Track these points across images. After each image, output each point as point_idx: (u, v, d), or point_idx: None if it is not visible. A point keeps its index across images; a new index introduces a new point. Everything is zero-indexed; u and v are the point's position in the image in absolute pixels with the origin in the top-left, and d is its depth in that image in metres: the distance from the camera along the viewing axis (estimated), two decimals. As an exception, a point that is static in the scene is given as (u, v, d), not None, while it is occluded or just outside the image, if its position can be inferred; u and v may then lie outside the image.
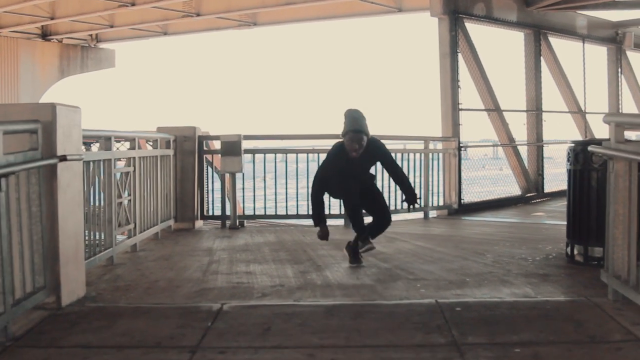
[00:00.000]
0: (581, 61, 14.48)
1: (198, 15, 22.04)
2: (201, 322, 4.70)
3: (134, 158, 7.62)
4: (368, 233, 6.93)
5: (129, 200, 7.53)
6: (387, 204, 7.55)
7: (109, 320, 4.83)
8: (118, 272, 6.56)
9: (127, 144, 8.25)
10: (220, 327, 4.62)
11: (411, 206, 7.06)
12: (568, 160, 6.71)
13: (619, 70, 15.72)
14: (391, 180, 7.78)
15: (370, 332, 4.50)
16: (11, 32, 24.76)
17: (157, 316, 4.95)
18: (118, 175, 7.17)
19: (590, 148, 5.65)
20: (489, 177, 13.42)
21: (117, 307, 5.25)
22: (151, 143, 9.14)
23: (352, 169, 6.76)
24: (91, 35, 26.58)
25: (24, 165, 4.56)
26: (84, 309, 5.15)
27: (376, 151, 6.87)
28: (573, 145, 6.66)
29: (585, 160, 6.45)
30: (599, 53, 15.52)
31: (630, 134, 7.00)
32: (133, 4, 20.58)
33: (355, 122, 6.70)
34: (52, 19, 23.28)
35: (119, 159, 7.43)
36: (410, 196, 6.96)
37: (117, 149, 7.60)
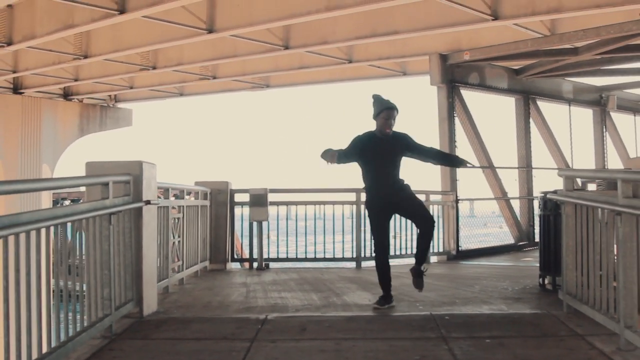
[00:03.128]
0: (568, 122, 16.31)
1: (214, 78, 23.80)
2: (253, 325, 6.43)
3: (183, 206, 9.40)
4: (417, 260, 7.57)
5: (179, 241, 9.26)
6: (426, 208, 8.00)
7: (183, 324, 6.58)
8: (175, 298, 8.28)
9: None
10: (267, 328, 6.36)
11: (468, 164, 7.76)
12: (539, 207, 8.45)
13: (604, 129, 17.54)
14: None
15: (380, 331, 6.23)
16: (35, 92, 26.57)
17: (218, 322, 6.71)
18: (171, 219, 8.90)
19: (548, 196, 7.42)
20: (492, 234, 15.18)
21: (185, 317, 7.00)
22: (192, 195, 10.89)
23: (382, 152, 7.38)
24: (110, 95, 28.48)
25: (124, 206, 6.35)
26: (160, 317, 6.89)
27: (404, 138, 7.48)
28: (542, 195, 8.40)
29: (552, 207, 8.17)
30: (585, 114, 17.35)
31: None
32: (154, 68, 22.33)
33: (386, 101, 7.45)
34: (75, 80, 24.97)
35: (173, 207, 9.14)
36: (457, 160, 7.97)
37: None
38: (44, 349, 4.86)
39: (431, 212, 12.52)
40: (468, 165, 7.78)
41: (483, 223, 15.46)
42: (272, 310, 7.30)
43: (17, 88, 26.17)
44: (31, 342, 4.56)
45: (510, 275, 10.37)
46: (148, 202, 6.82)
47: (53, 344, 5.01)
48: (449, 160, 8.21)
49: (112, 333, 6.08)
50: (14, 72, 23.11)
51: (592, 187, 9.62)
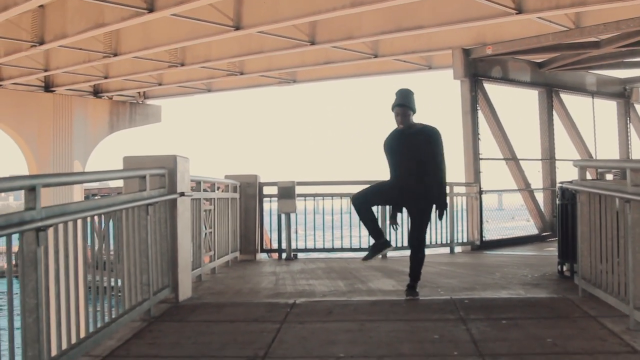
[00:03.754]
0: (591, 114, 16.57)
1: (241, 73, 24.27)
2: (282, 309, 6.87)
3: (214, 199, 9.85)
4: (411, 279, 7.51)
5: (210, 232, 9.70)
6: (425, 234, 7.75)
7: (216, 308, 7.04)
8: (207, 285, 8.74)
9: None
10: (296, 311, 6.79)
11: (438, 217, 7.46)
12: (557, 197, 8.80)
13: (628, 121, 17.76)
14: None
15: (402, 313, 6.65)
16: (66, 90, 27.19)
17: (250, 306, 7.17)
18: (203, 211, 9.34)
19: (564, 185, 7.77)
20: (519, 227, 15.52)
21: (218, 302, 7.46)
22: (222, 188, 11.34)
23: (405, 146, 7.41)
24: (139, 92, 29.08)
25: (160, 198, 6.80)
26: (195, 303, 7.35)
27: (432, 136, 7.39)
28: (560, 185, 8.75)
29: (569, 196, 8.51)
30: (609, 106, 17.58)
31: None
32: (182, 64, 22.83)
33: (401, 97, 7.48)
34: (105, 78, 25.53)
35: (204, 199, 9.58)
36: (438, 203, 7.40)
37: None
38: (90, 329, 5.32)
39: (455, 204, 13.00)
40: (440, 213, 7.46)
41: (511, 216, 15.83)
42: (300, 296, 7.73)
43: (48, 86, 26.81)
44: (79, 322, 5.03)
45: (531, 263, 10.71)
46: (182, 194, 7.27)
47: (98, 325, 5.46)
48: (437, 190, 7.39)
49: (151, 316, 6.54)
50: (46, 70, 23.70)
51: (609, 177, 9.93)
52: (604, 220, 6.59)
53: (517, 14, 13.46)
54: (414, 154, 7.39)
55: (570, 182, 7.60)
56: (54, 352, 4.68)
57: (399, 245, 11.30)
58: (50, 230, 4.60)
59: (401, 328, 6.09)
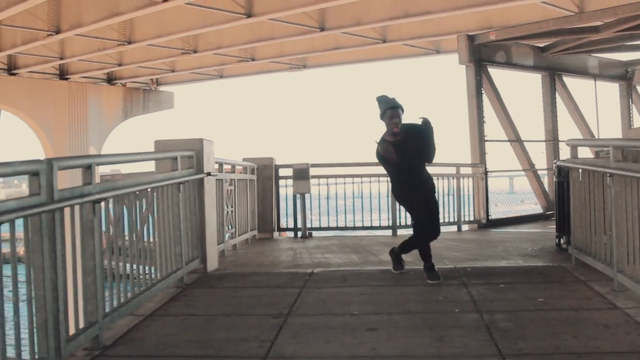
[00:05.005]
0: (594, 96, 17.27)
1: (253, 60, 25.04)
2: (301, 277, 7.69)
3: (235, 180, 10.65)
4: (425, 260, 7.64)
5: (231, 211, 10.50)
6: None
7: (242, 277, 7.89)
8: (231, 259, 9.56)
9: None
10: (314, 278, 7.62)
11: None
12: (554, 175, 9.55)
13: (630, 102, 18.43)
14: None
15: (410, 279, 7.47)
16: (81, 77, 27.96)
17: (272, 275, 8.04)
18: (225, 191, 10.13)
19: (558, 163, 8.55)
20: (527, 210, 16.28)
21: (243, 272, 8.33)
22: (240, 170, 12.13)
23: (405, 150, 7.51)
24: (152, 79, 29.90)
25: (189, 177, 7.60)
26: (222, 273, 8.18)
27: (420, 130, 7.57)
28: (556, 163, 9.49)
29: (565, 174, 9.25)
30: (611, 88, 18.27)
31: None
32: (195, 51, 23.59)
33: (389, 101, 7.58)
34: (119, 65, 26.29)
35: (226, 180, 10.36)
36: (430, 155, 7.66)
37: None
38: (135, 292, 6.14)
39: (461, 184, 13.77)
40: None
41: (520, 199, 16.63)
42: (317, 266, 8.56)
43: (63, 74, 27.61)
44: (127, 286, 5.85)
45: (533, 238, 11.47)
46: (209, 174, 8.08)
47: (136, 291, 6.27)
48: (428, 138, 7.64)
49: (184, 283, 7.36)
50: (61, 58, 24.53)
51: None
52: (593, 194, 7.36)
53: (521, -2, 14.19)
54: (413, 156, 7.58)
55: (564, 160, 8.38)
56: (106, 309, 5.50)
57: (406, 223, 12.20)
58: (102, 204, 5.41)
59: (409, 291, 6.91)
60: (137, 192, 6.24)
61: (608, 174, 6.65)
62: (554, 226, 14.11)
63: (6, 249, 4.32)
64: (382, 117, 7.59)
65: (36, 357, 4.38)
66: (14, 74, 26.31)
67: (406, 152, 7.53)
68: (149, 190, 6.52)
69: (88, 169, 5.21)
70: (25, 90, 26.81)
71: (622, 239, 6.49)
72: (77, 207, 5.01)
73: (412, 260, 8.27)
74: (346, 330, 5.52)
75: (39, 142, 28.24)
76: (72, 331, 4.87)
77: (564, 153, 16.15)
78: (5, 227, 4.08)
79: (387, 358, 4.84)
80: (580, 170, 7.81)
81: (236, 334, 5.48)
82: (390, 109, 7.52)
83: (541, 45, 15.86)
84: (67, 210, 4.83)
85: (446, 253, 9.53)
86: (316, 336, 5.40)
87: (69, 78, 27.72)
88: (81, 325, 5.04)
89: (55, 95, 27.62)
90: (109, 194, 5.49)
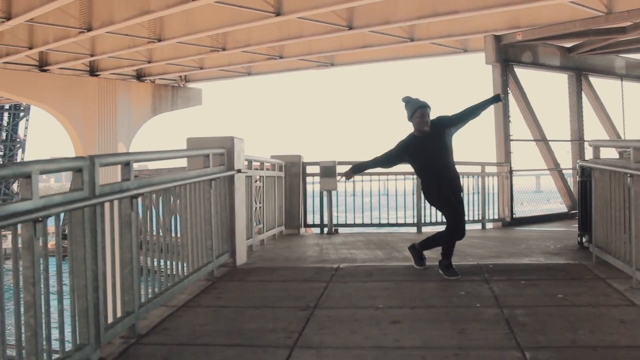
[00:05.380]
0: (620, 96, 17.36)
1: (281, 57, 25.28)
2: (328, 272, 7.97)
3: (263, 177, 10.94)
4: (444, 255, 7.82)
5: (260, 207, 10.79)
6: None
7: (270, 271, 8.19)
8: (259, 254, 9.85)
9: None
10: (340, 273, 7.89)
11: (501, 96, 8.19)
12: (577, 174, 9.74)
13: (657, 103, 18.52)
14: None
15: (433, 275, 7.71)
16: (111, 74, 28.41)
17: (299, 270, 8.32)
18: (254, 188, 10.42)
19: (581, 163, 8.75)
20: (552, 210, 16.44)
21: (271, 267, 8.62)
22: (268, 167, 12.41)
23: (432, 150, 7.72)
24: (181, 76, 30.27)
25: (220, 174, 7.89)
26: (250, 267, 8.49)
27: (442, 122, 7.81)
28: (579, 163, 9.68)
29: (587, 174, 9.43)
30: (639, 89, 18.33)
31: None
32: (224, 49, 23.86)
33: (418, 100, 7.77)
34: (149, 62, 26.68)
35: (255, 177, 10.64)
36: (491, 99, 8.02)
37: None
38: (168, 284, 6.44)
39: (486, 183, 13.97)
40: (502, 97, 8.08)
41: (546, 199, 16.79)
42: (343, 262, 8.84)
43: (93, 70, 28.05)
44: (160, 279, 6.15)
45: (556, 237, 11.66)
46: (239, 171, 8.38)
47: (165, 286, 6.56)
48: (484, 104, 7.97)
49: (214, 276, 7.65)
50: (92, 55, 24.94)
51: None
52: (614, 194, 7.55)
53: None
54: (442, 150, 7.79)
55: (587, 160, 8.57)
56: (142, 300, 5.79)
57: (431, 220, 12.49)
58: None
59: (432, 286, 7.16)
60: (172, 188, 6.53)
61: (629, 175, 6.85)
62: (577, 225, 14.40)
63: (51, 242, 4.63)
64: (411, 118, 7.76)
65: (77, 342, 4.68)
66: (45, 71, 26.78)
67: (436, 148, 7.74)
68: (182, 186, 6.80)
69: (127, 166, 5.50)
70: (56, 87, 27.30)
71: (641, 238, 6.69)
72: (116, 202, 5.31)
73: (436, 256, 8.49)
74: (371, 322, 5.79)
75: (69, 137, 28.74)
76: (110, 320, 5.18)
77: (589, 153, 16.31)
78: (51, 220, 4.39)
79: (410, 349, 5.08)
80: (602, 170, 8.00)
81: (265, 325, 5.76)
82: (420, 108, 7.70)
83: (568, 45, 15.99)
84: (106, 205, 5.13)
85: (469, 250, 9.75)
86: (342, 328, 5.66)
87: (99, 75, 28.15)
88: (118, 314, 5.35)
89: (86, 92, 28.09)
90: (146, 190, 5.78)
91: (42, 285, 4.13)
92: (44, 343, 4.18)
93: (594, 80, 16.92)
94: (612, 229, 7.65)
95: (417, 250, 8.25)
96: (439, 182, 7.79)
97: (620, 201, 7.34)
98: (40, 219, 4.13)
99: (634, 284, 6.73)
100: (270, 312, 6.26)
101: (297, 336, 5.39)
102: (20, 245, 4.15)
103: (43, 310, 4.16)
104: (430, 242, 8.18)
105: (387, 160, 8.00)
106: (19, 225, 4.08)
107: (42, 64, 26.56)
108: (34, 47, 23.44)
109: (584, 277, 7.49)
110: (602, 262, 7.96)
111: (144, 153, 6.33)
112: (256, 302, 6.66)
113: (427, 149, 7.75)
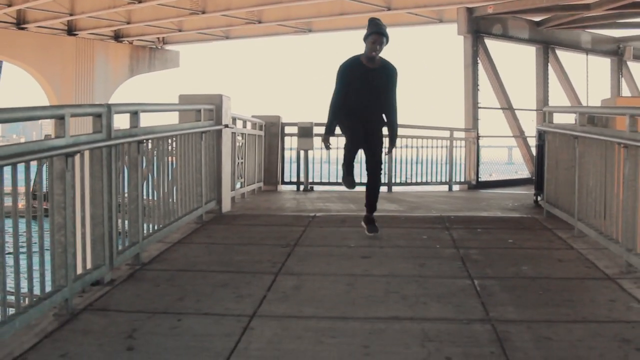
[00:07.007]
0: (585, 70, 18.46)
1: (259, 22, 25.88)
2: (305, 219, 9.00)
3: (245, 134, 11.88)
4: (369, 209, 8.13)
5: (241, 162, 11.73)
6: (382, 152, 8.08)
7: (253, 217, 9.20)
8: (241, 204, 10.84)
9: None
10: (316, 221, 8.92)
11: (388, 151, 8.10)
12: (535, 139, 10.78)
13: (620, 77, 19.60)
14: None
15: (400, 222, 8.78)
16: (89, 34, 28.83)
17: (279, 217, 9.38)
18: (237, 144, 11.34)
19: (537, 128, 9.79)
20: (517, 174, 17.54)
21: (254, 214, 9.64)
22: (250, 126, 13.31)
23: (368, 80, 7.57)
24: (159, 37, 30.73)
25: (210, 128, 8.84)
26: (235, 214, 9.49)
27: (392, 73, 7.68)
28: (537, 127, 10.71)
29: (544, 138, 10.47)
30: (603, 63, 19.43)
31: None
32: (203, 12, 24.39)
33: (378, 25, 7.52)
34: (127, 23, 27.06)
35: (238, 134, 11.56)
36: (391, 141, 7.91)
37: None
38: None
39: (455, 146, 15.01)
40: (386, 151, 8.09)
41: (515, 170, 17.89)
42: (319, 212, 9.88)
43: (71, 30, 28.43)
44: (155, 219, 7.11)
45: (515, 197, 12.72)
46: (226, 126, 9.33)
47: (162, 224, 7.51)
48: (389, 130, 7.86)
49: (203, 220, 8.62)
50: (71, 15, 25.36)
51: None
52: (563, 154, 8.61)
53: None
54: (376, 88, 7.62)
55: (542, 125, 9.64)
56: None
57: (401, 180, 13.52)
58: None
59: (398, 232, 8.21)
60: (171, 137, 7.46)
61: (574, 136, 7.89)
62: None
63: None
64: (365, 39, 7.54)
65: (95, 263, 5.62)
66: (22, 29, 27.15)
67: (374, 81, 7.59)
68: (179, 136, 7.73)
69: (135, 115, 6.43)
70: (33, 45, 27.59)
71: (582, 192, 7.73)
72: (126, 146, 6.25)
73: (404, 209, 9.53)
74: (344, 257, 6.82)
75: (45, 95, 29.14)
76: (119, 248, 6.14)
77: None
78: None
79: (377, 276, 6.09)
80: (553, 134, 9.04)
81: (252, 258, 6.76)
82: (375, 33, 7.45)
83: (537, 19, 16.99)
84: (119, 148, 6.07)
85: (435, 205, 10.79)
86: (319, 260, 6.69)
87: (77, 34, 28.56)
88: (126, 244, 6.31)
89: (63, 51, 28.42)
90: (150, 136, 6.72)
91: (71, 210, 5.06)
92: (72, 257, 5.11)
93: (561, 53, 17.98)
94: (560, 185, 8.71)
95: (367, 217, 8.16)
96: (360, 116, 7.69)
97: (568, 161, 8.38)
98: (71, 154, 5.05)
99: (575, 232, 7.79)
100: (255, 249, 7.25)
101: (280, 266, 6.38)
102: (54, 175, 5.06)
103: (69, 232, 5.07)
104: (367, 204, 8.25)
105: (340, 98, 7.69)
106: (54, 159, 4.98)
107: (20, 22, 26.82)
108: (13, 4, 23.82)
109: (533, 228, 8.56)
110: (552, 216, 9.01)
111: (148, 104, 7.20)
112: (243, 241, 7.66)
113: (367, 79, 7.60)
